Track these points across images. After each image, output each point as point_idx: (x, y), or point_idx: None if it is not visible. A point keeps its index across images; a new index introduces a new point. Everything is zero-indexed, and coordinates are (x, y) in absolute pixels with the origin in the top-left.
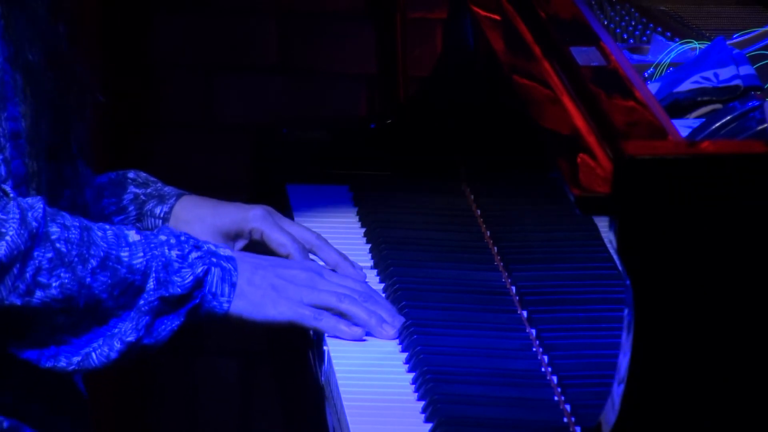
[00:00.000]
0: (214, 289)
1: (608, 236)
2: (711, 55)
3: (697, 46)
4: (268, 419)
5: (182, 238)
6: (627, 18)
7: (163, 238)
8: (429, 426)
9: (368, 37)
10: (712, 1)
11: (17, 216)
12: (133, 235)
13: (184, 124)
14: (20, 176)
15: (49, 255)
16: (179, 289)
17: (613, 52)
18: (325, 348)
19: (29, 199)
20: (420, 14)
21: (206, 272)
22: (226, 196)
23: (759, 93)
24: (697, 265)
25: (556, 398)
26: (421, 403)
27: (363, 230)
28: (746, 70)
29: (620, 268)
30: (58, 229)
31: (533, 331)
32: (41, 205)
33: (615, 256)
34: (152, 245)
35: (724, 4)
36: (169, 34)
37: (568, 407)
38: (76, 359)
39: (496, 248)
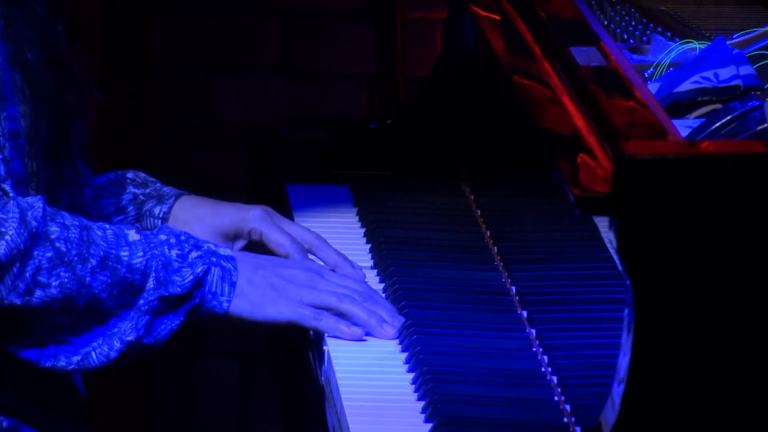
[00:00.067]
0: (214, 289)
1: (608, 236)
2: (711, 55)
3: (697, 46)
4: (268, 419)
5: (182, 238)
6: (627, 18)
7: (163, 237)
8: (429, 426)
9: (368, 37)
10: (712, 1)
11: (17, 215)
12: (132, 235)
13: (184, 124)
14: (20, 176)
15: (49, 254)
16: (179, 289)
17: (613, 52)
18: (325, 348)
19: (29, 199)
20: (420, 14)
21: (206, 272)
22: (226, 196)
23: (759, 93)
24: (697, 265)
25: (556, 398)
26: (421, 403)
27: (363, 230)
28: (746, 70)
29: (620, 268)
30: (58, 229)
31: (533, 331)
32: (41, 205)
33: (615, 256)
34: (152, 245)
35: (724, 4)
36: (169, 34)
37: (568, 407)
38: (75, 359)
39: (496, 248)
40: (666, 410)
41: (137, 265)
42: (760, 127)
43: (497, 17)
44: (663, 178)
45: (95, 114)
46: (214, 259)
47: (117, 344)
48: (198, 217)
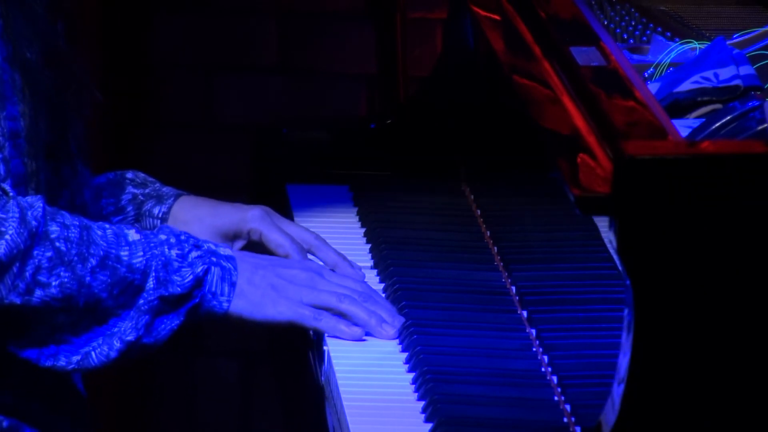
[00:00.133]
0: (213, 289)
1: (608, 236)
2: (711, 55)
3: (697, 46)
4: (268, 419)
5: (182, 238)
6: (627, 18)
7: (162, 237)
8: (429, 426)
9: (368, 37)
10: (712, 1)
11: (17, 215)
12: (132, 234)
13: (184, 124)
14: (19, 176)
15: (49, 254)
16: (179, 289)
17: (613, 52)
18: (325, 348)
19: (29, 198)
20: (420, 14)
21: (206, 271)
22: (226, 197)
23: (759, 93)
24: (697, 265)
25: (556, 398)
26: (421, 403)
27: (363, 230)
28: (746, 70)
29: (620, 268)
30: (58, 228)
31: (533, 331)
32: (41, 204)
33: (615, 256)
34: (152, 244)
35: (724, 4)
36: (169, 34)
37: (568, 407)
38: (75, 358)
39: (496, 248)
40: (666, 410)
41: (137, 265)
42: (760, 127)
43: (497, 17)
44: (663, 178)
45: (95, 114)
46: (214, 259)
47: (117, 344)
48: (197, 218)
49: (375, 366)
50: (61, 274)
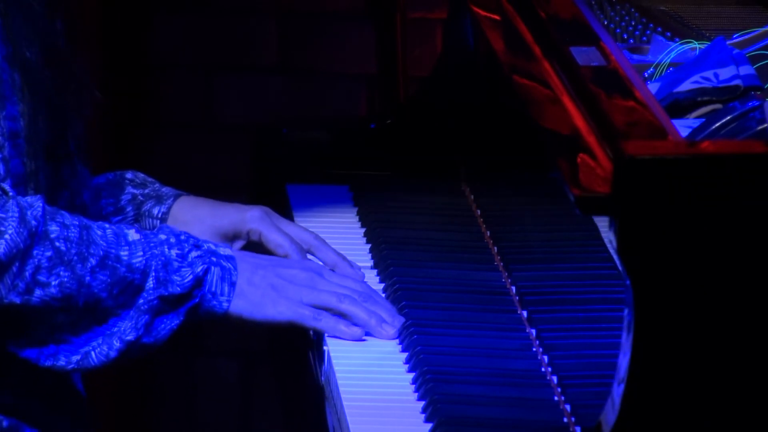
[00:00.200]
0: (213, 289)
1: (608, 236)
2: (711, 55)
3: (697, 46)
4: (268, 419)
5: (182, 237)
6: (627, 18)
7: (162, 237)
8: (429, 426)
9: (368, 37)
10: (712, 1)
11: (16, 214)
12: (132, 234)
13: (184, 124)
14: (19, 176)
15: (49, 254)
16: (179, 288)
17: (613, 52)
18: (325, 348)
19: (29, 198)
20: (420, 14)
21: (206, 271)
22: (226, 197)
23: (759, 93)
24: (697, 265)
25: (556, 398)
26: (421, 403)
27: (363, 230)
28: (746, 70)
29: (620, 268)
30: (58, 228)
31: (533, 331)
32: (40, 204)
33: (615, 256)
34: (152, 244)
35: (724, 4)
36: (169, 34)
37: (568, 407)
38: (75, 358)
39: (496, 248)
40: (666, 410)
41: (137, 265)
42: (760, 127)
43: (497, 17)
44: (663, 178)
45: (95, 114)
46: (213, 259)
47: (116, 344)
48: (197, 218)
49: (375, 366)
50: (61, 273)
